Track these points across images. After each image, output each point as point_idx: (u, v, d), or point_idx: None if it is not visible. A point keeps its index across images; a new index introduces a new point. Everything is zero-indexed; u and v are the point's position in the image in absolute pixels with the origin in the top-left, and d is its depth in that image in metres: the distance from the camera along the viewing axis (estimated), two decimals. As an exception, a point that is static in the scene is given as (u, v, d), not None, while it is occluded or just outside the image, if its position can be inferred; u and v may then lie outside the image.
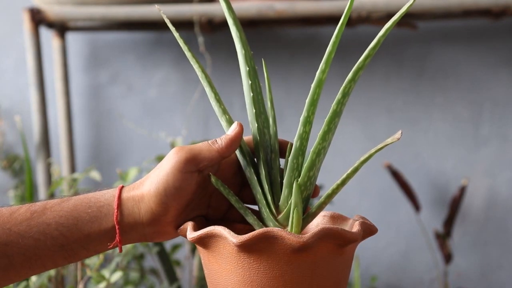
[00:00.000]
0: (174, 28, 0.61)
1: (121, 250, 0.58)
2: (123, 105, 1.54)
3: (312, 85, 0.57)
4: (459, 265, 1.54)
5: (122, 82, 1.54)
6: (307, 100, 0.58)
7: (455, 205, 1.43)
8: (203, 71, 0.60)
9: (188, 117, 1.51)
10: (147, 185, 0.57)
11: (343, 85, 0.57)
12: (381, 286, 1.56)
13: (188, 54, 0.60)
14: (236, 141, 0.59)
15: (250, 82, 0.61)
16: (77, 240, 0.56)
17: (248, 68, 0.61)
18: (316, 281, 0.55)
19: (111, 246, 0.57)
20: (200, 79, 0.61)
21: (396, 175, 1.43)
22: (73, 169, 1.48)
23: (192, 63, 0.60)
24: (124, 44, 1.53)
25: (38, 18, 1.31)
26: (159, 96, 1.54)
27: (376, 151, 0.56)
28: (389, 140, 0.54)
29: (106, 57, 1.54)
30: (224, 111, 0.61)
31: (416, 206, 1.45)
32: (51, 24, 1.40)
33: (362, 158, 0.56)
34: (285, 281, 0.54)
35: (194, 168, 0.57)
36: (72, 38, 1.52)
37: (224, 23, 1.39)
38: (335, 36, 0.57)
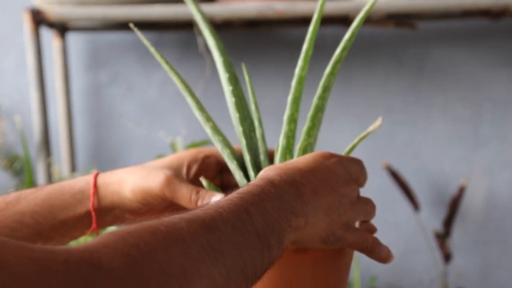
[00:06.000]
0: (148, 43, 0.61)
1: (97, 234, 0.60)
2: (123, 105, 1.54)
3: (293, 83, 0.58)
4: (459, 265, 1.54)
5: (122, 82, 1.54)
6: (289, 98, 0.58)
7: (454, 205, 1.44)
8: (183, 81, 0.60)
9: (188, 117, 1.51)
10: (130, 185, 0.58)
11: (323, 79, 0.58)
12: (381, 286, 1.56)
13: (165, 66, 0.59)
14: None
15: (231, 88, 0.61)
16: (52, 227, 0.57)
17: (228, 74, 0.61)
18: (316, 281, 0.55)
19: (88, 232, 0.59)
20: (181, 90, 0.60)
21: (395, 175, 1.43)
22: (73, 169, 1.48)
23: (171, 75, 0.59)
24: (124, 44, 1.53)
25: (38, 18, 1.31)
26: (159, 96, 1.54)
27: (359, 140, 0.56)
28: (371, 128, 0.55)
29: (106, 57, 1.54)
30: (208, 119, 0.61)
31: (416, 206, 1.45)
32: (51, 24, 1.40)
33: (346, 149, 0.57)
34: (285, 281, 0.54)
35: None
36: (72, 38, 1.53)
37: (225, 23, 1.39)
38: (311, 32, 0.57)
